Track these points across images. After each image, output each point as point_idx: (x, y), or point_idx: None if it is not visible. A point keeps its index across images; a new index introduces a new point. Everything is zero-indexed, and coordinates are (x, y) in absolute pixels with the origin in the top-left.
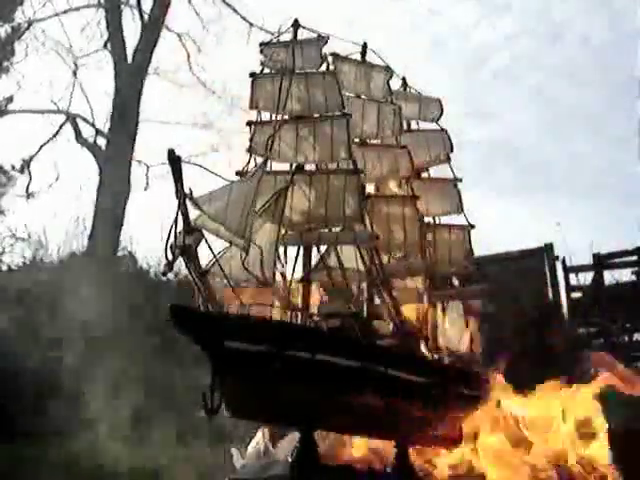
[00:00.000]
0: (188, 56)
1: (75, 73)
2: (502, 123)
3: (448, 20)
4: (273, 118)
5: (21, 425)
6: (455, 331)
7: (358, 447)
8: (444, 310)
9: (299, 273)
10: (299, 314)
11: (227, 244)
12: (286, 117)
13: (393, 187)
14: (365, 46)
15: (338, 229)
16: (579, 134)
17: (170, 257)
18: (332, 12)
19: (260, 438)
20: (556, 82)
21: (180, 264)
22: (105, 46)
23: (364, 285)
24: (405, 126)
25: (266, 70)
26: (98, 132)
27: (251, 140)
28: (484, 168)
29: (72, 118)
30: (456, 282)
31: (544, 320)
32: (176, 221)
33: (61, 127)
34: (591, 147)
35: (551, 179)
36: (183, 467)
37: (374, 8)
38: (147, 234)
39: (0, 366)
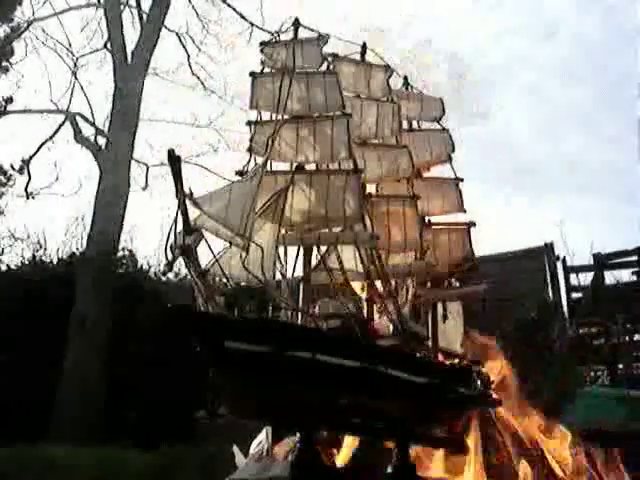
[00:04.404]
0: (188, 56)
1: (75, 73)
2: (496, 122)
3: (438, 17)
4: (273, 118)
5: None
6: (454, 331)
7: None
8: (444, 310)
9: (299, 273)
10: (299, 314)
11: (227, 244)
12: (286, 117)
13: (393, 187)
14: (364, 46)
15: (338, 229)
16: (573, 133)
17: (170, 257)
18: (325, 11)
19: (263, 438)
20: (549, 80)
21: (180, 264)
22: (105, 45)
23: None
24: (407, 126)
25: (266, 69)
26: (98, 131)
27: (251, 140)
28: (481, 168)
29: (72, 117)
30: (456, 283)
31: (544, 320)
32: (176, 221)
33: (60, 126)
34: (586, 146)
35: (548, 179)
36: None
37: (365, 6)
38: (147, 234)
39: None
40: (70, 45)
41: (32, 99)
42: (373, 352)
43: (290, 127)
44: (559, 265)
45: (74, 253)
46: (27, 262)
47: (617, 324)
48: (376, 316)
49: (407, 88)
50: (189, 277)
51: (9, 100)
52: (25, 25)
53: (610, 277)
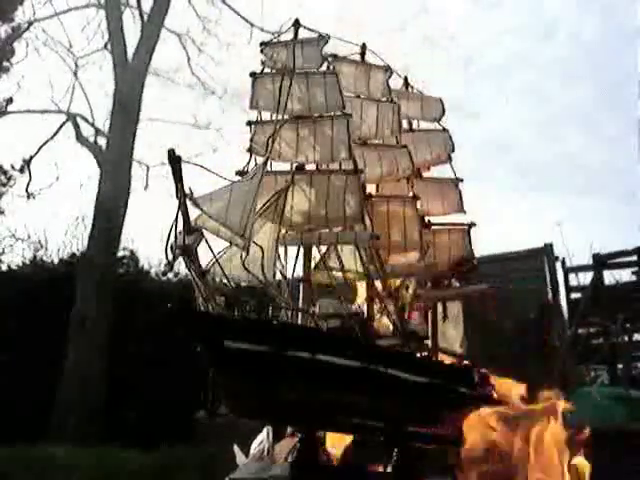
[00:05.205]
0: (188, 56)
1: (75, 73)
2: (494, 122)
3: (437, 17)
4: (273, 118)
5: None
6: (454, 332)
7: None
8: (444, 310)
9: (299, 273)
10: (299, 314)
11: (227, 244)
12: (286, 117)
13: (393, 187)
14: (364, 46)
15: (338, 229)
16: (573, 133)
17: (170, 257)
18: (321, 11)
19: (263, 438)
20: (549, 80)
21: (180, 264)
22: (105, 46)
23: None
24: (407, 126)
25: (266, 70)
26: (98, 132)
27: (251, 140)
28: (479, 169)
29: (72, 117)
30: (456, 283)
31: (544, 320)
32: (176, 221)
33: (61, 127)
34: (586, 146)
35: (548, 179)
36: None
37: (361, 6)
38: (147, 234)
39: None
40: (71, 45)
41: (33, 99)
42: (373, 352)
43: (290, 127)
44: (559, 265)
45: (75, 253)
46: (27, 262)
47: (616, 324)
48: (376, 316)
49: (407, 88)
50: (189, 277)
51: (10, 100)
52: (26, 25)
53: (610, 277)
